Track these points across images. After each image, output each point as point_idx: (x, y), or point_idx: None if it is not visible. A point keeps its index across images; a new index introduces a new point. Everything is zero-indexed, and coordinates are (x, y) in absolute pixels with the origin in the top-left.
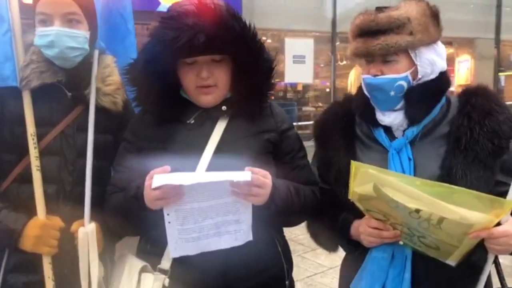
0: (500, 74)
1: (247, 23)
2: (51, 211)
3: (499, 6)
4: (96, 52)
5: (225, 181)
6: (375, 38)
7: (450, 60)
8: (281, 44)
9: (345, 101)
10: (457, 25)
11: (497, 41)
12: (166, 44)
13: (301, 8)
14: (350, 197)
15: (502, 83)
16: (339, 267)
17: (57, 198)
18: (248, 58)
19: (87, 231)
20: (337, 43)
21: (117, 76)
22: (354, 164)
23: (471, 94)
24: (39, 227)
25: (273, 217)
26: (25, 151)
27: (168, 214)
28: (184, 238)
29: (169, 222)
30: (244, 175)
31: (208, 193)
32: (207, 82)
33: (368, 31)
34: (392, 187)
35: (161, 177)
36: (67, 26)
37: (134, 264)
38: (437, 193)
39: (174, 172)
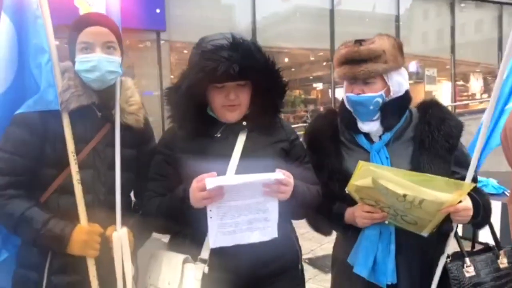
0: None
1: (267, 55)
2: (88, 218)
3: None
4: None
5: (259, 182)
6: (359, 65)
7: None
8: None
9: (328, 114)
10: None
11: None
12: (207, 72)
13: (215, 20)
14: (348, 189)
15: None
16: None
17: (92, 206)
18: (268, 83)
19: (120, 235)
20: None
21: (138, 97)
22: (360, 163)
23: (427, 106)
24: (86, 233)
25: (290, 210)
26: (64, 165)
27: (210, 210)
28: (222, 231)
29: (210, 217)
30: (277, 174)
31: (243, 194)
32: (234, 102)
33: (352, 60)
34: (386, 179)
35: (212, 179)
36: (106, 53)
37: (173, 257)
38: (418, 180)
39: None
